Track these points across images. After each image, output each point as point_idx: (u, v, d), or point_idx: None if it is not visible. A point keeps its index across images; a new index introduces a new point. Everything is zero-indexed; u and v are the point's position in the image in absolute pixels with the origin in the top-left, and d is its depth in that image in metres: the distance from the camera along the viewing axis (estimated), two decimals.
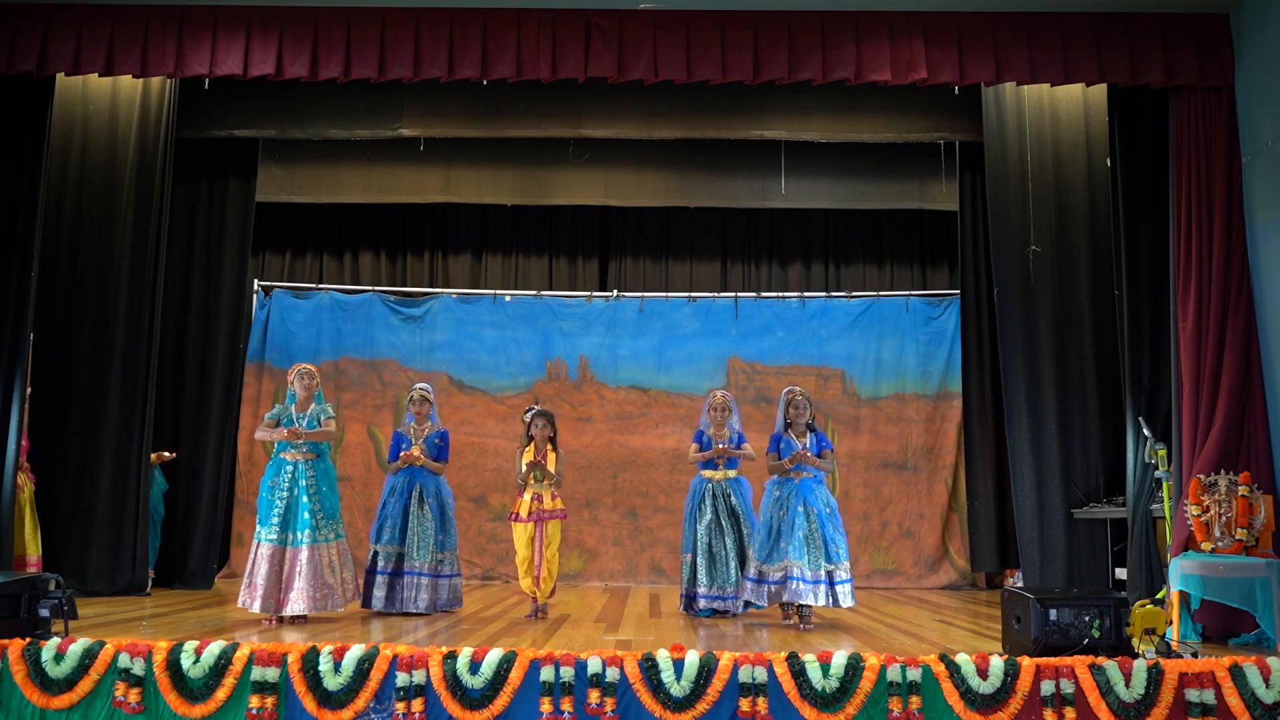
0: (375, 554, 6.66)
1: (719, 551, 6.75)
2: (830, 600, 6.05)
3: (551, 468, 6.60)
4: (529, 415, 6.77)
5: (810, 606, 6.08)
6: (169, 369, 8.40)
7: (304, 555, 6.06)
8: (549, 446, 6.66)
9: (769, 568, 6.21)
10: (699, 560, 6.76)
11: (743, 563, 6.66)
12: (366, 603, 6.59)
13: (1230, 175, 6.45)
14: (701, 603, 6.71)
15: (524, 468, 6.58)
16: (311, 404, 6.33)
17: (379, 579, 6.60)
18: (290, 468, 6.18)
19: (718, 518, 6.79)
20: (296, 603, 6.01)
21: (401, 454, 6.74)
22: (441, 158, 9.28)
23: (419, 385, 7.04)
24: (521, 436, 6.84)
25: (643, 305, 9.85)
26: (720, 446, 6.82)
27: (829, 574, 6.08)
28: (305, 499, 6.12)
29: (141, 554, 7.48)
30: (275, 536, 6.06)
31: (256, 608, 5.97)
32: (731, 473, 6.94)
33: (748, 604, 6.49)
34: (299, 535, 6.10)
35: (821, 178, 9.51)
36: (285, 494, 6.12)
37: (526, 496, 6.58)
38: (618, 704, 4.18)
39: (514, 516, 6.62)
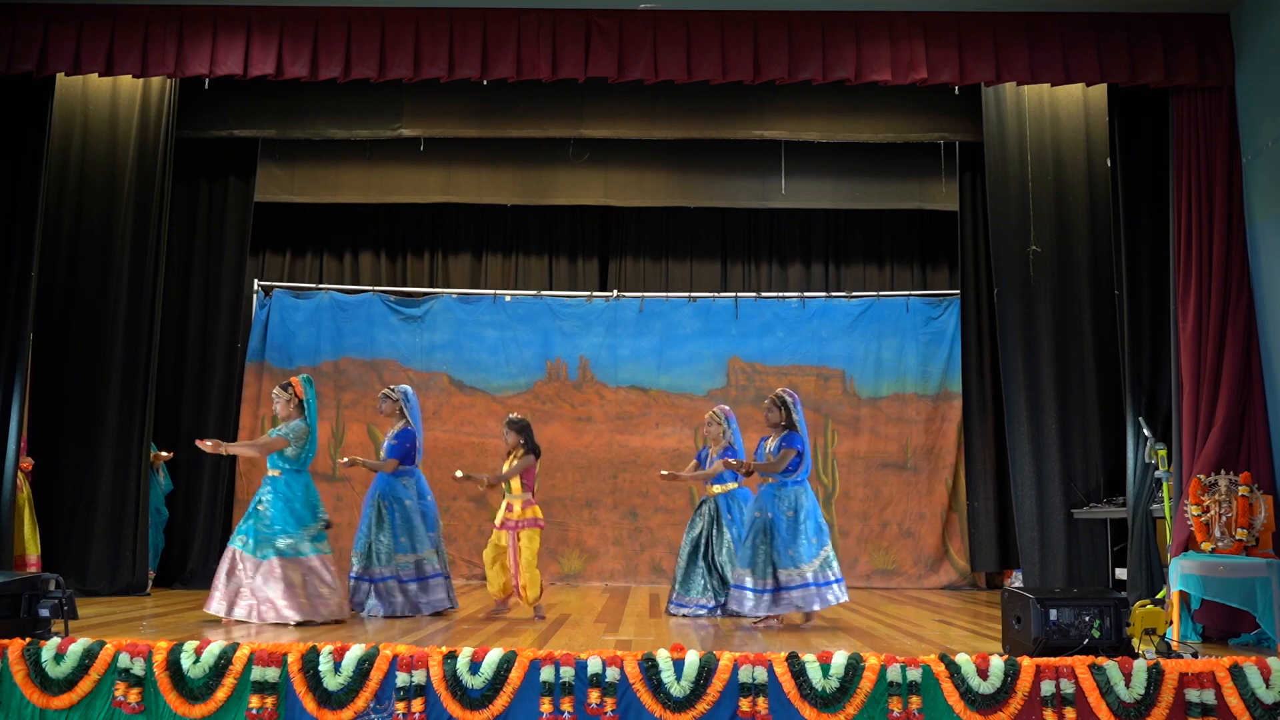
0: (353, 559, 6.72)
1: (692, 563, 6.88)
2: (784, 607, 6.05)
3: (505, 469, 6.74)
4: None
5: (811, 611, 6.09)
6: (169, 369, 8.39)
7: (250, 565, 6.06)
8: (519, 451, 6.74)
9: (732, 572, 6.35)
10: (677, 567, 6.97)
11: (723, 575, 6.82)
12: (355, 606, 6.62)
13: (1230, 175, 6.45)
14: (670, 608, 6.85)
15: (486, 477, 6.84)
16: (291, 421, 6.33)
17: (350, 583, 6.61)
18: (266, 481, 6.30)
19: (705, 531, 6.94)
20: (238, 608, 6.00)
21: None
22: (441, 158, 9.28)
23: (390, 387, 7.04)
24: None
25: (643, 305, 9.85)
26: (710, 469, 6.96)
27: (784, 579, 6.06)
28: (256, 513, 6.17)
29: (141, 554, 7.48)
30: (235, 539, 6.17)
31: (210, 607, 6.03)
32: (731, 485, 7.01)
33: (727, 610, 6.52)
34: (248, 543, 6.10)
35: (821, 178, 9.51)
36: (254, 505, 6.22)
37: (502, 504, 6.73)
38: (618, 704, 4.18)
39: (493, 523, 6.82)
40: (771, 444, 6.34)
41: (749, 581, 6.11)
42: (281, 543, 6.10)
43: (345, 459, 6.76)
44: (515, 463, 6.68)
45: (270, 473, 6.27)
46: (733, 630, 6.10)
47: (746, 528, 6.33)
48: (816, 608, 6.14)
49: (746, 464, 6.38)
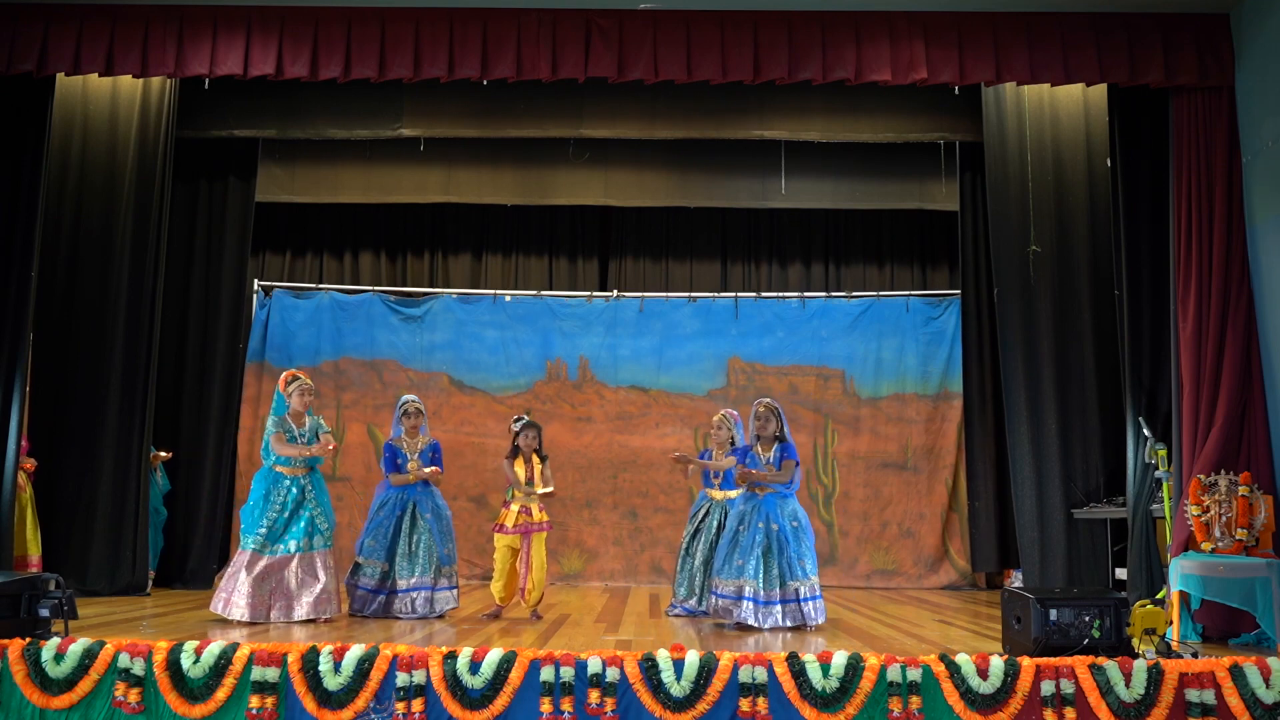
0: (358, 565, 6.54)
1: (703, 565, 6.76)
2: (794, 619, 5.99)
3: (538, 478, 6.61)
4: (518, 426, 6.71)
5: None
6: (169, 369, 8.39)
7: (316, 561, 6.18)
8: (535, 456, 6.66)
9: (721, 580, 6.14)
10: (679, 569, 6.91)
11: None
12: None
13: (1230, 175, 6.45)
14: (678, 609, 6.79)
15: (521, 482, 6.56)
16: (307, 418, 6.38)
17: (359, 592, 6.50)
18: (288, 482, 6.24)
19: (705, 534, 6.85)
20: (303, 609, 6.06)
21: (413, 472, 6.61)
22: (441, 158, 9.29)
23: (409, 398, 6.89)
24: (509, 448, 6.75)
25: (643, 305, 9.85)
26: (705, 461, 6.97)
27: (795, 591, 6.02)
28: (308, 512, 6.22)
29: (141, 554, 7.48)
30: (264, 545, 6.10)
31: (245, 615, 5.95)
32: (733, 493, 6.83)
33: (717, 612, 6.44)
34: (312, 542, 6.20)
35: (821, 178, 9.51)
36: (279, 507, 6.19)
37: (514, 508, 6.57)
38: (618, 704, 4.18)
39: (499, 528, 6.61)
40: (768, 454, 6.26)
41: (760, 593, 5.95)
42: (328, 534, 6.35)
43: (427, 470, 6.65)
44: (547, 470, 6.66)
45: (304, 470, 6.30)
46: (731, 630, 6.10)
47: (747, 537, 6.14)
48: (824, 619, 6.08)
49: (756, 474, 6.19)
